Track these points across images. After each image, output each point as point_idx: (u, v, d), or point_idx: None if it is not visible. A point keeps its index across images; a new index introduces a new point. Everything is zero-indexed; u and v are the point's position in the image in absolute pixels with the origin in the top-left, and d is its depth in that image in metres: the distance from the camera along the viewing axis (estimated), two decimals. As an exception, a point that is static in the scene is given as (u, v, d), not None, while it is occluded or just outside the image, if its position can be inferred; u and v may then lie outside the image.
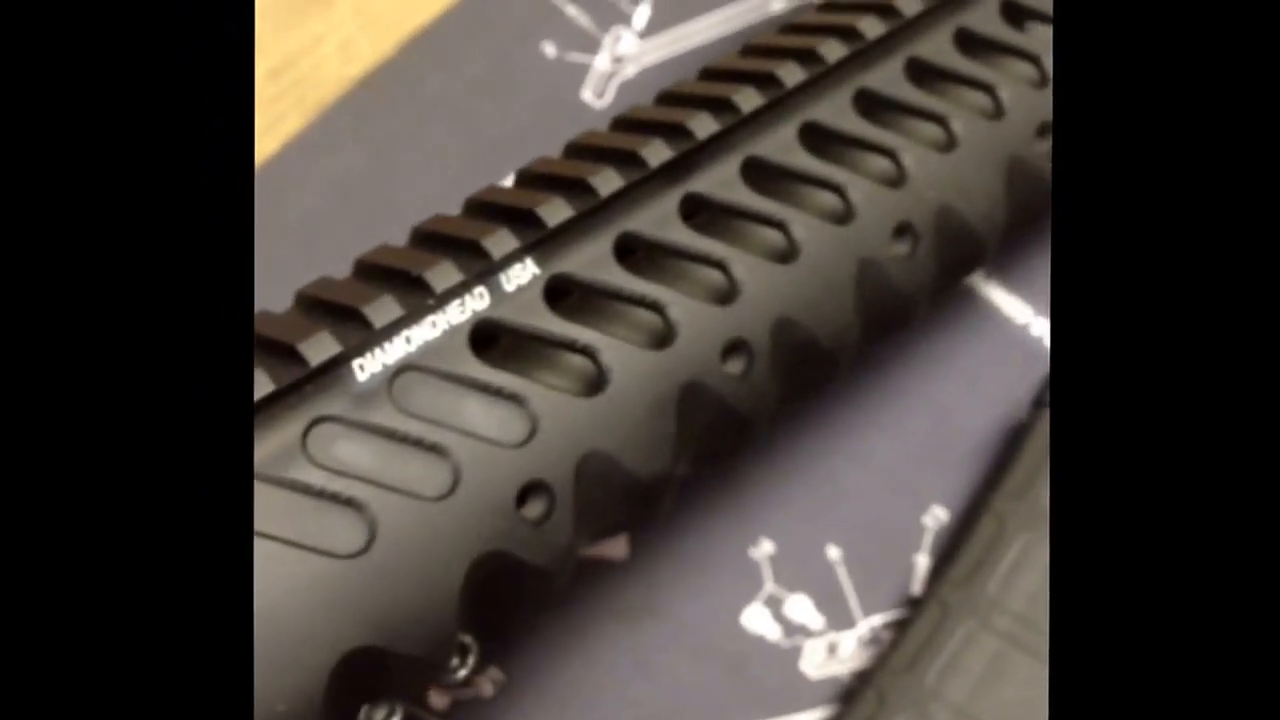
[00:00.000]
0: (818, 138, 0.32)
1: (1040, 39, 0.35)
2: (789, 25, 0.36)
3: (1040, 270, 0.41)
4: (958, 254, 0.34)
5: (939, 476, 0.39)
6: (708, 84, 0.33)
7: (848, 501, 0.38)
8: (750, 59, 0.34)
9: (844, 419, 0.39)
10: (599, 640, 0.37)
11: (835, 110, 0.33)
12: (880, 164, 0.33)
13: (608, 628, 0.37)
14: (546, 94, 0.45)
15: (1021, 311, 0.40)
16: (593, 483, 0.28)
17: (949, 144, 0.33)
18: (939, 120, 0.33)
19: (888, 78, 0.33)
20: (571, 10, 0.46)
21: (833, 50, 0.33)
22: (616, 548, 0.38)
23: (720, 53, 0.45)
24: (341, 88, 0.45)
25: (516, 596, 0.28)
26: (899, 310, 0.33)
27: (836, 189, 0.31)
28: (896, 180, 0.32)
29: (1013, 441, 0.37)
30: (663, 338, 0.29)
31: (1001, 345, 0.40)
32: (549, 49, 0.46)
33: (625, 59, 0.45)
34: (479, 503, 0.26)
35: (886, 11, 0.34)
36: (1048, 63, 0.34)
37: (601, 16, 0.46)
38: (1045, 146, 0.34)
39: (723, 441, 0.31)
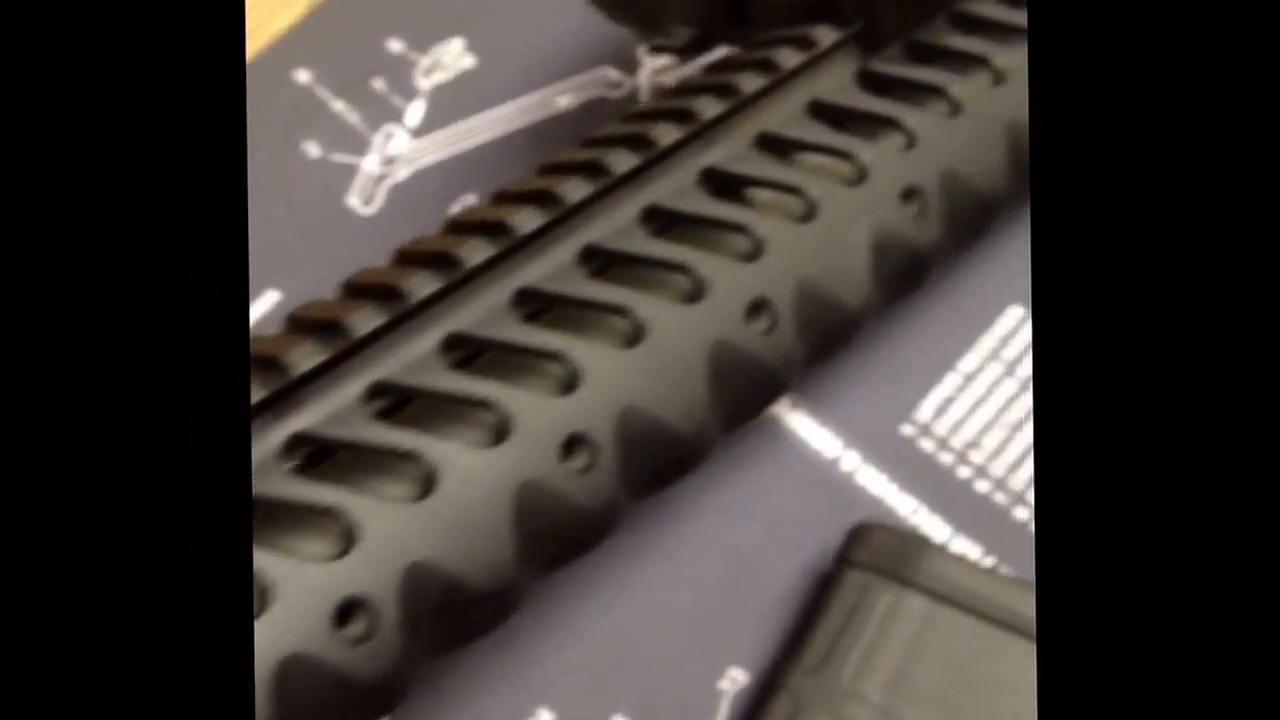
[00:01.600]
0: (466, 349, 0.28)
1: (762, 199, 0.31)
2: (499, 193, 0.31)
3: (850, 398, 0.37)
4: (653, 462, 0.28)
5: (738, 634, 0.34)
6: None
7: (636, 665, 0.34)
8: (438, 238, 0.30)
9: (632, 570, 0.35)
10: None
11: (488, 315, 0.28)
12: (553, 369, 0.27)
13: (356, 824, 0.32)
14: (308, 199, 0.40)
15: (830, 444, 0.36)
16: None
17: (634, 337, 0.27)
18: (619, 311, 0.28)
19: (554, 271, 0.29)
20: (338, 106, 0.42)
21: (476, 252, 0.28)
22: (379, 718, 0.33)
23: (505, 152, 0.41)
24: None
25: None
26: (571, 532, 0.28)
27: (483, 404, 0.26)
28: (569, 385, 0.27)
29: (817, 598, 0.33)
30: (427, 486, 0.25)
31: (809, 483, 0.36)
32: (312, 149, 0.41)
33: (397, 160, 0.41)
34: None
35: (546, 199, 0.29)
36: (761, 229, 0.29)
37: (371, 113, 0.41)
38: (760, 326, 0.29)
39: (456, 631, 0.26)
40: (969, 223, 0.33)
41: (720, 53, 0.39)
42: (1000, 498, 0.36)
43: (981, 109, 0.33)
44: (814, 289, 0.29)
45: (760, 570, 0.35)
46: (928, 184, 0.31)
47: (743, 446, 0.36)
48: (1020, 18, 0.34)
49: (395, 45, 0.43)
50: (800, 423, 0.37)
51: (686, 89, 0.32)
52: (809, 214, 0.30)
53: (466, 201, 0.40)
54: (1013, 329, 0.38)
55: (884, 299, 0.32)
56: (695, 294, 0.28)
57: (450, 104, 0.42)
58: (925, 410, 0.37)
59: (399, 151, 0.41)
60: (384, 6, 0.43)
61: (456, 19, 0.43)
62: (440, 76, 0.42)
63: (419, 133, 0.41)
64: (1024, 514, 0.35)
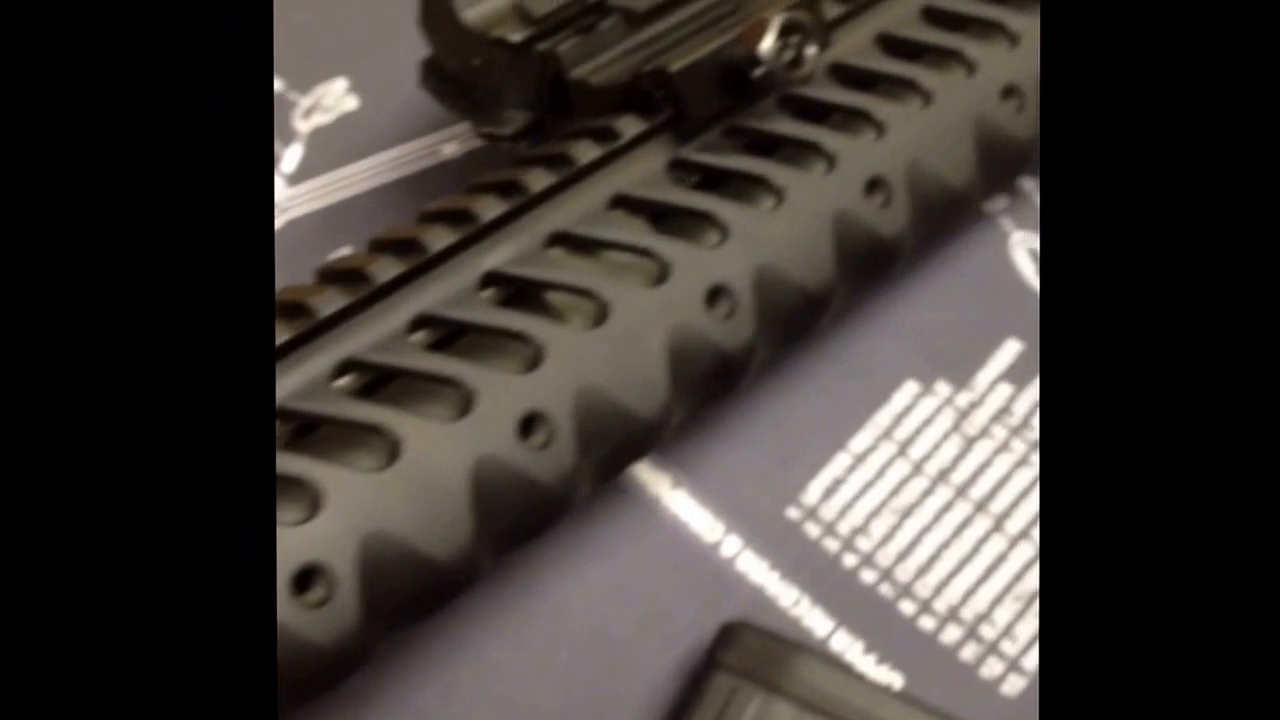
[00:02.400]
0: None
1: (560, 303, 0.29)
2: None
3: (735, 476, 0.35)
4: (405, 593, 0.26)
5: (605, 732, 0.32)
6: None
7: (497, 763, 0.32)
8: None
9: (496, 660, 0.33)
10: None
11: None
12: (294, 493, 0.25)
13: None
14: (174, 249, 0.38)
15: (711, 527, 0.35)
16: None
17: (390, 457, 0.26)
18: (373, 430, 0.26)
19: (307, 387, 0.27)
20: (210, 149, 0.39)
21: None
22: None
23: (384, 202, 0.39)
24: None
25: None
26: (307, 671, 0.25)
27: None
28: (312, 510, 0.25)
29: (685, 699, 0.31)
30: None
31: (686, 568, 0.34)
32: (181, 194, 0.39)
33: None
34: None
35: (299, 312, 0.28)
36: (540, 336, 0.28)
37: (245, 157, 0.39)
38: (536, 441, 0.27)
39: None
40: (788, 321, 0.31)
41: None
42: (886, 590, 0.34)
43: (808, 199, 0.31)
44: (600, 398, 0.28)
45: (630, 663, 0.33)
46: (739, 282, 0.30)
47: (616, 526, 0.34)
48: (860, 100, 0.32)
49: (275, 84, 0.40)
50: (680, 502, 0.35)
51: (473, 187, 0.30)
52: (601, 317, 0.28)
53: (342, 254, 0.38)
54: (908, 406, 0.36)
55: (687, 405, 0.30)
56: (464, 408, 0.26)
57: (329, 149, 0.40)
58: (813, 492, 0.35)
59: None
60: (264, 42, 0.41)
61: (341, 58, 0.41)
62: (320, 119, 0.40)
63: (295, 179, 0.39)
64: (910, 608, 0.34)
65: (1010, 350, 0.37)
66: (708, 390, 0.30)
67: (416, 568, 0.26)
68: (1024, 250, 0.38)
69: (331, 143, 0.40)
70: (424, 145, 0.40)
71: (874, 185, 0.32)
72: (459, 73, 0.33)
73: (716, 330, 0.29)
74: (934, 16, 0.35)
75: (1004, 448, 0.35)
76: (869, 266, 0.32)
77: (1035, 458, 0.35)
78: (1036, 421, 0.36)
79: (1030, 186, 0.39)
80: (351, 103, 0.40)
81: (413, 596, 0.26)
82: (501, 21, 0.32)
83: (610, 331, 0.28)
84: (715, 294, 0.29)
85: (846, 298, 0.32)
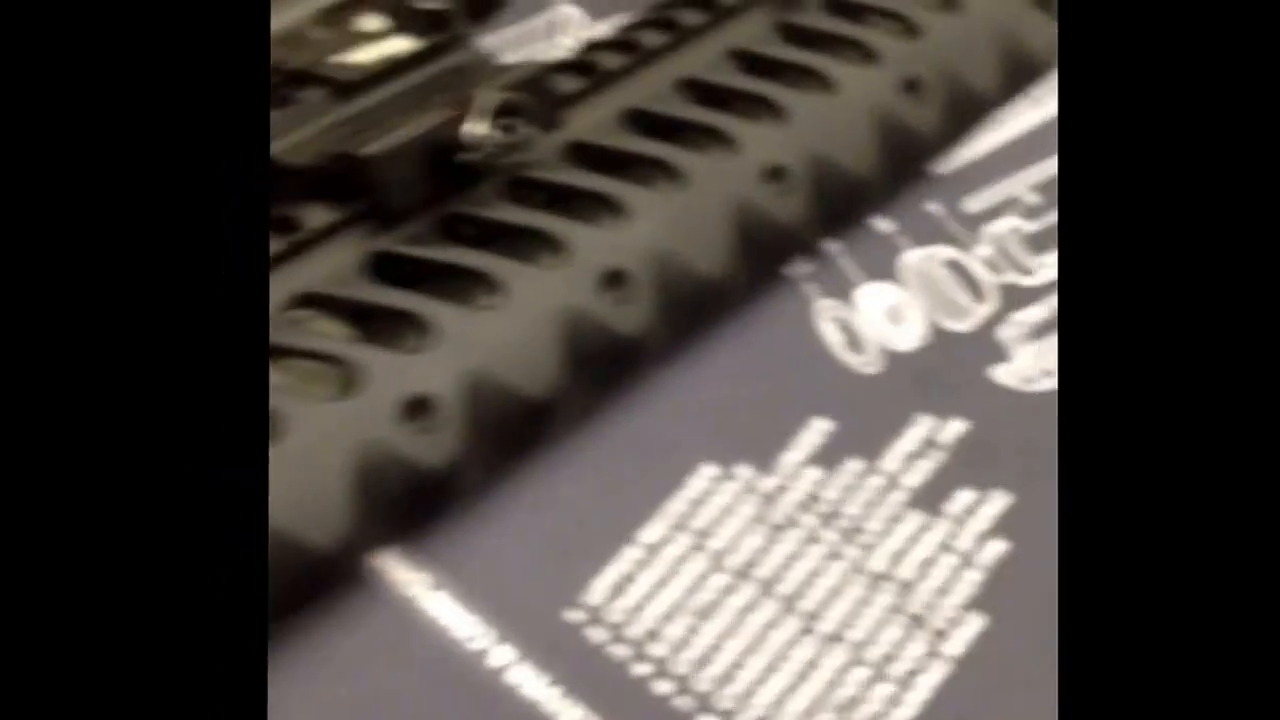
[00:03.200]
0: None
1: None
2: None
3: (504, 574, 0.30)
4: None
5: None
6: None
7: None
8: None
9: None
10: None
11: None
12: None
13: None
14: None
15: (479, 634, 0.29)
16: None
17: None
18: None
19: None
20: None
21: None
22: None
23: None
24: None
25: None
26: None
27: None
28: None
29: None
30: None
31: (450, 683, 0.29)
32: None
33: None
34: None
35: None
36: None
37: None
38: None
39: None
40: (509, 433, 0.28)
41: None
42: (683, 702, 0.29)
43: (532, 295, 0.28)
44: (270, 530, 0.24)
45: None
46: (445, 391, 0.27)
47: (361, 635, 0.29)
48: (598, 183, 0.30)
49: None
50: (440, 605, 0.30)
51: None
52: (275, 434, 0.25)
53: None
54: (704, 491, 0.32)
55: (382, 533, 0.27)
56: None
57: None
58: (597, 591, 0.30)
59: None
60: None
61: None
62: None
63: None
64: (711, 724, 0.29)
65: (818, 430, 0.33)
66: (408, 514, 0.27)
67: None
68: (830, 320, 0.34)
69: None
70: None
71: (612, 278, 0.28)
72: None
73: (416, 446, 0.26)
74: (692, 90, 0.32)
75: (813, 538, 0.31)
76: (608, 368, 0.29)
77: (848, 550, 0.31)
78: (848, 509, 0.32)
79: (837, 250, 0.35)
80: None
81: None
82: None
83: (286, 451, 0.25)
84: (416, 406, 0.26)
85: (584, 402, 0.29)
